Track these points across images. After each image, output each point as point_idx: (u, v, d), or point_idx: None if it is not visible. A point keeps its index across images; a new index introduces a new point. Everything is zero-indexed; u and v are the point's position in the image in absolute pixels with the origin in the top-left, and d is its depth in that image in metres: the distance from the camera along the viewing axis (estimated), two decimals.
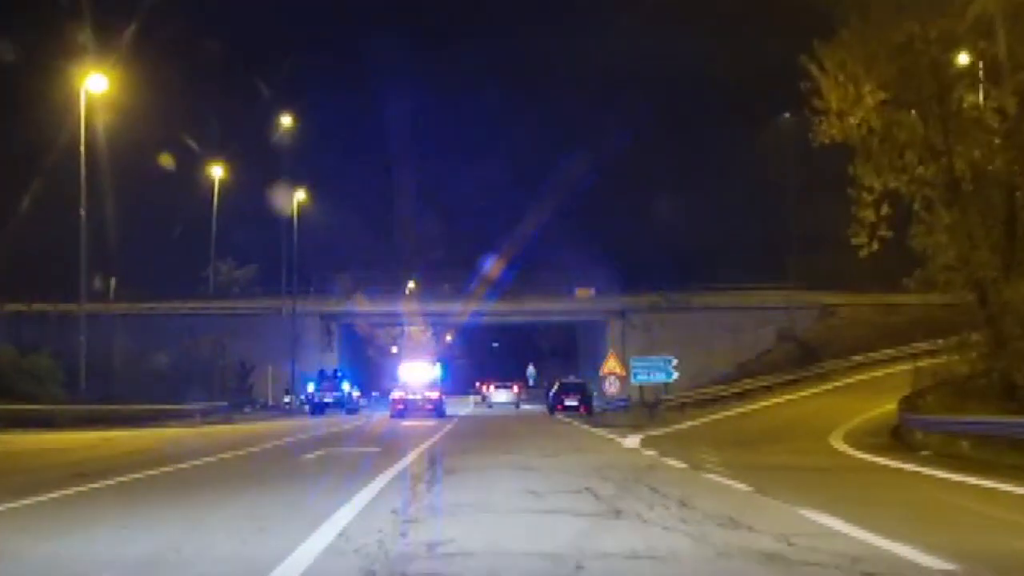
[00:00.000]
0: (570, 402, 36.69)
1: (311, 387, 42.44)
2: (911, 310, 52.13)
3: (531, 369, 70.84)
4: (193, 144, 54.67)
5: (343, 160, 65.42)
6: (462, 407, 54.83)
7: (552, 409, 37.15)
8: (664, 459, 14.07)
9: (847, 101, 22.15)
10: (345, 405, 41.20)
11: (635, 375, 29.38)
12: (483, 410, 49.12)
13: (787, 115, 53.07)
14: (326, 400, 40.91)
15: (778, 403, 30.81)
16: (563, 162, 59.59)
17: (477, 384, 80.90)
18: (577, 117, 69.07)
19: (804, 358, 48.04)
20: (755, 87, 59.60)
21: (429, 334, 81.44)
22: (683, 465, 12.99)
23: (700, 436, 22.06)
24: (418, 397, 33.97)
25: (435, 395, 34.21)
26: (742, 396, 31.82)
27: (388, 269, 56.44)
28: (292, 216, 48.23)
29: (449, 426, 27.49)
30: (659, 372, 29.30)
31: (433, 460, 14.60)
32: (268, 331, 51.38)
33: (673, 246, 55.62)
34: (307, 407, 41.78)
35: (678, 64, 53.61)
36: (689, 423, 25.73)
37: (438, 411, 34.08)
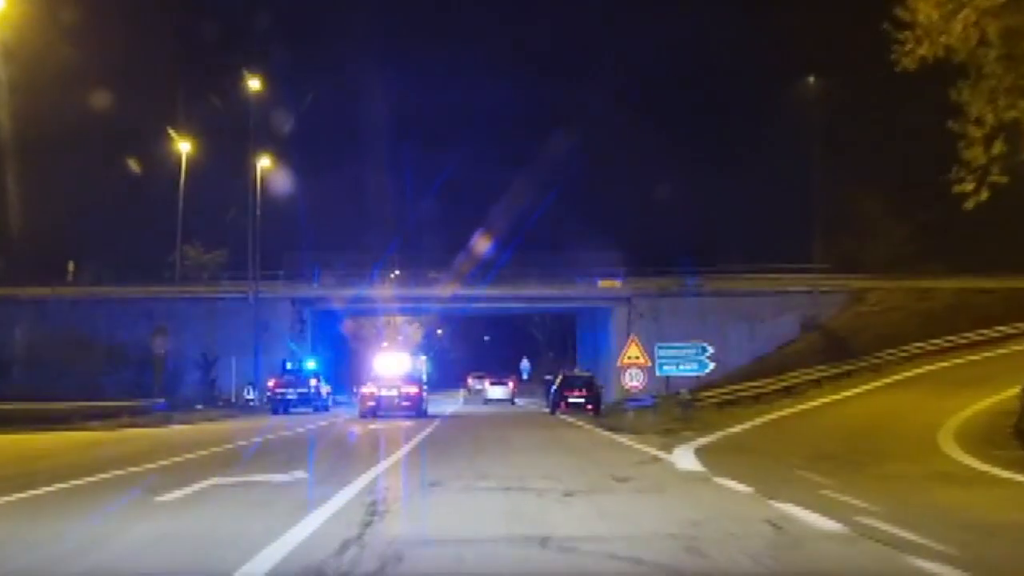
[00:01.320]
0: (575, 399, 30.36)
1: (271, 382, 35.89)
2: (946, 295, 46.19)
3: (525, 362, 64.40)
4: (165, 124, 49.01)
5: (323, 138, 58.78)
6: (449, 404, 48.34)
7: (554, 407, 30.80)
8: (782, 506, 7.71)
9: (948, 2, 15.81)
10: (312, 402, 34.70)
11: (661, 366, 22.97)
12: (473, 408, 42.72)
13: (811, 79, 46.93)
14: (289, 396, 34.39)
15: (835, 400, 24.51)
16: (558, 136, 53.25)
17: (468, 379, 74.92)
18: (576, 89, 62.54)
19: (831, 349, 41.78)
20: (775, 49, 53.30)
21: (416, 325, 74.95)
22: (836, 527, 6.63)
23: (770, 447, 15.75)
24: (393, 393, 27.54)
25: (414, 390, 27.77)
26: (789, 392, 25.41)
27: (370, 252, 49.84)
28: (255, 184, 41.65)
29: (428, 429, 21.17)
30: (691, 363, 22.94)
31: (379, 507, 8.16)
32: (234, 319, 44.86)
33: (683, 226, 49.25)
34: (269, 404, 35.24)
35: (689, 28, 47.39)
36: (739, 426, 19.37)
37: (417, 410, 27.68)
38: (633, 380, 22.65)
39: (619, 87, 55.26)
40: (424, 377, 50.70)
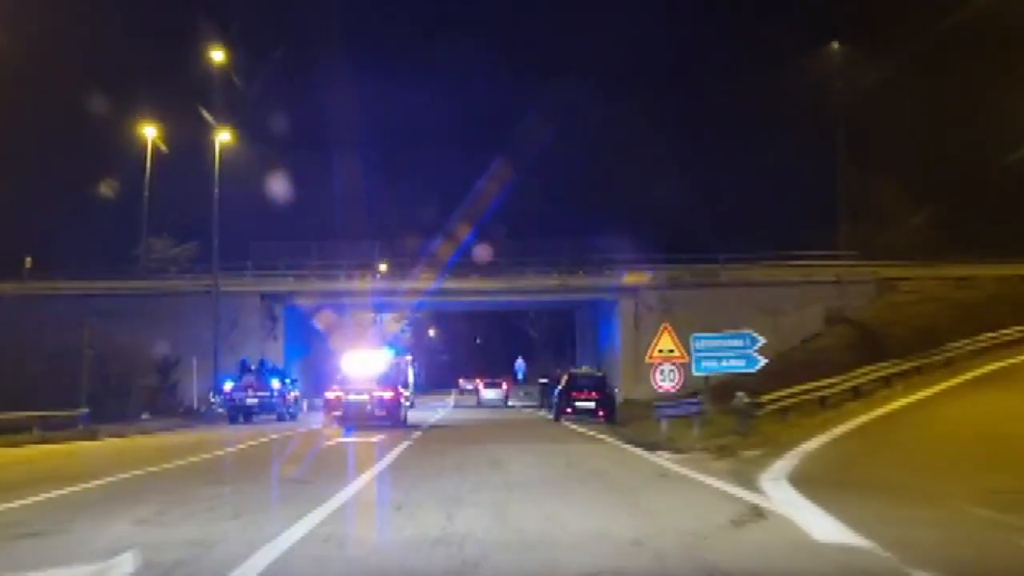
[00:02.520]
0: (584, 403, 24.95)
1: (228, 385, 30.29)
2: (986, 284, 40.97)
3: (520, 362, 58.88)
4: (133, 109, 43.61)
5: (299, 123, 53.08)
6: (438, 408, 42.86)
7: (559, 412, 25.37)
8: None
9: None
10: (276, 409, 29.16)
11: (698, 362, 17.51)
12: (462, 414, 37.26)
13: (835, 44, 41.59)
14: (248, 402, 28.85)
15: (915, 402, 19.19)
16: (553, 123, 47.94)
17: (459, 381, 69.84)
18: (577, 70, 57.09)
19: (862, 343, 36.55)
20: (794, 17, 48.08)
21: (401, 321, 69.24)
22: None
23: (895, 476, 10.43)
24: (363, 399, 22.05)
25: (389, 395, 22.26)
26: (856, 393, 19.98)
27: (350, 242, 44.28)
28: (215, 161, 36.07)
29: (401, 448, 15.90)
30: (736, 357, 17.47)
31: None
32: (200, 317, 39.19)
33: (695, 211, 43.79)
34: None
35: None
36: (814, 440, 14.05)
37: (393, 418, 22.23)
38: (666, 380, 17.18)
39: (623, 65, 50.17)
40: (410, 379, 45.43)
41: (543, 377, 45.07)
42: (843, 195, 40.34)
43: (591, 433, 20.11)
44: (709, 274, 40.93)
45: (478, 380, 51.57)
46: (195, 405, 36.59)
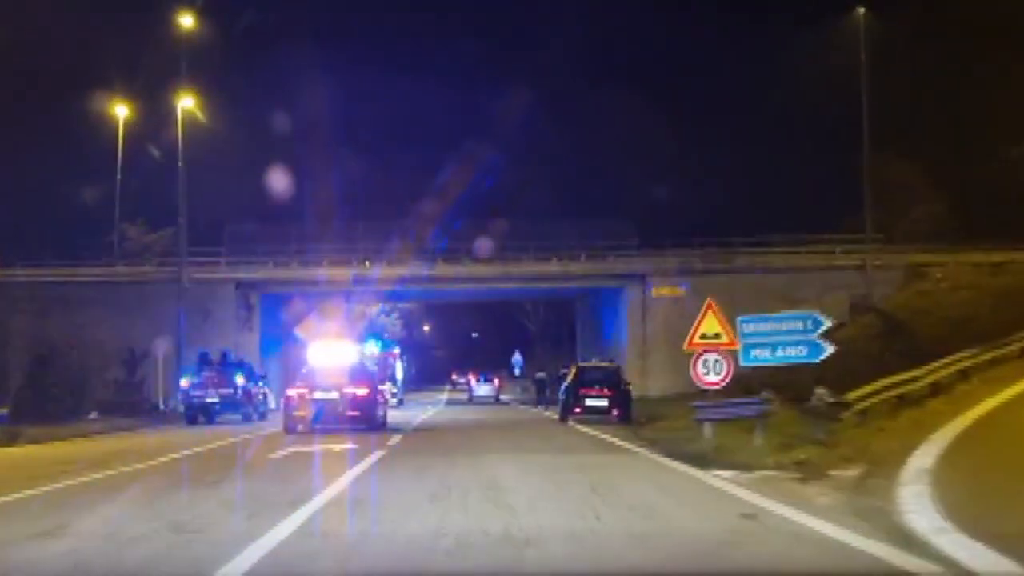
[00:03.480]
0: (596, 401, 20.96)
1: (185, 381, 26.21)
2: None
3: (517, 356, 54.82)
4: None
5: (279, 98, 48.94)
6: (428, 405, 38.87)
7: (566, 411, 21.34)
8: None
9: None
10: (241, 408, 25.10)
11: (747, 351, 13.52)
12: (453, 412, 33.36)
13: (861, 9, 37.54)
14: (210, 401, 24.80)
15: (1010, 400, 15.16)
16: (553, 97, 43.99)
17: (453, 375, 66.04)
18: (585, 45, 53.01)
19: (891, 334, 32.65)
20: None
21: (393, 315, 65.17)
22: None
23: None
24: (332, 397, 18.01)
25: (363, 392, 18.20)
26: (935, 389, 16.03)
27: (334, 227, 40.19)
28: (177, 131, 31.96)
29: (371, 460, 12.25)
30: (794, 344, 13.51)
31: None
32: (170, 306, 35.10)
33: (709, 190, 39.84)
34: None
35: None
36: (925, 449, 10.07)
37: (369, 420, 18.19)
38: (711, 373, 13.16)
39: (634, 40, 46.26)
40: (399, 374, 41.54)
41: (540, 371, 41.16)
42: (868, 175, 36.33)
43: (608, 438, 16.16)
44: (723, 259, 37.02)
45: (471, 375, 49.50)
46: (160, 403, 32.63)
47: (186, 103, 31.69)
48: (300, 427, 18.14)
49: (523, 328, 64.47)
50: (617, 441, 15.29)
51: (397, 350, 40.74)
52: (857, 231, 36.83)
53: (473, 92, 50.62)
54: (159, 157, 36.74)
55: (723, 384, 13.23)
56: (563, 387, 22.17)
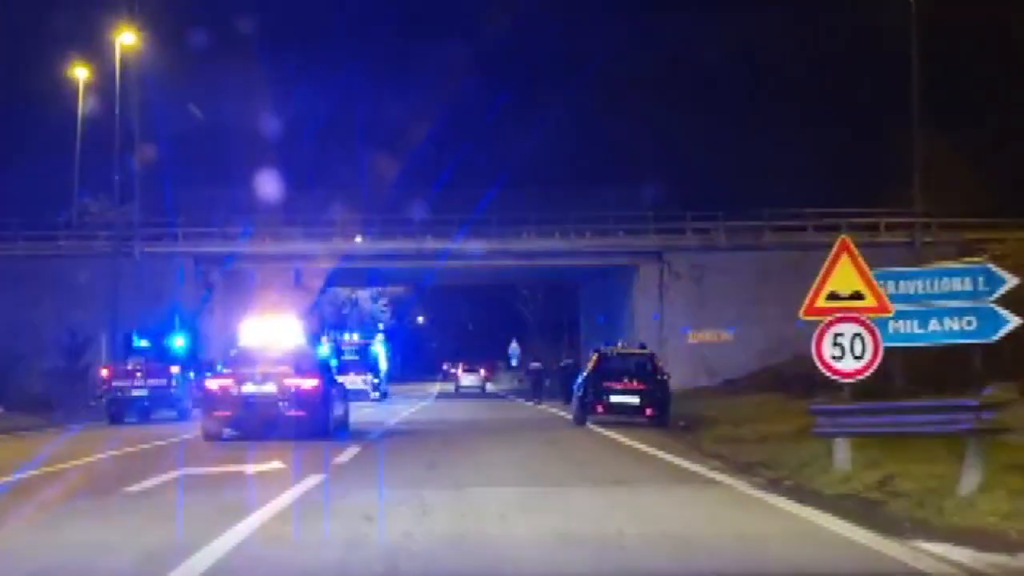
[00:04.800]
0: (624, 397, 15.66)
1: (107, 370, 20.74)
2: None
3: (514, 346, 49.51)
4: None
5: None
6: (415, 401, 33.50)
7: (585, 411, 15.87)
8: None
9: None
10: (175, 404, 19.68)
11: (882, 325, 8.19)
12: (443, 407, 28.20)
13: None
14: (137, 394, 19.41)
15: None
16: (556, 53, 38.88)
17: (444, 366, 61.17)
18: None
19: None
20: None
21: (381, 301, 59.73)
22: None
23: None
24: (268, 390, 12.66)
25: (311, 384, 12.82)
26: None
27: (309, 195, 34.89)
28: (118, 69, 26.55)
29: (287, 497, 7.25)
30: (958, 313, 8.36)
31: None
32: (122, 286, 29.66)
33: (734, 156, 34.57)
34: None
35: None
36: None
37: (318, 423, 12.79)
38: (847, 355, 7.78)
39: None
40: (383, 364, 36.22)
41: (534, 361, 35.79)
42: (918, 141, 31.02)
43: (660, 453, 10.90)
44: (751, 234, 31.76)
45: (458, 366, 50.05)
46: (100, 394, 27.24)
47: (125, 39, 26.27)
48: (225, 431, 12.85)
49: (520, 318, 59.15)
50: (677, 460, 10.04)
51: (380, 337, 35.41)
52: (908, 203, 31.50)
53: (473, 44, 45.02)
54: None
55: (868, 373, 7.93)
56: (581, 380, 16.78)
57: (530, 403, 28.95)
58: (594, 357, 16.98)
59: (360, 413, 19.25)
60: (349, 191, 32.75)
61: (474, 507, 6.92)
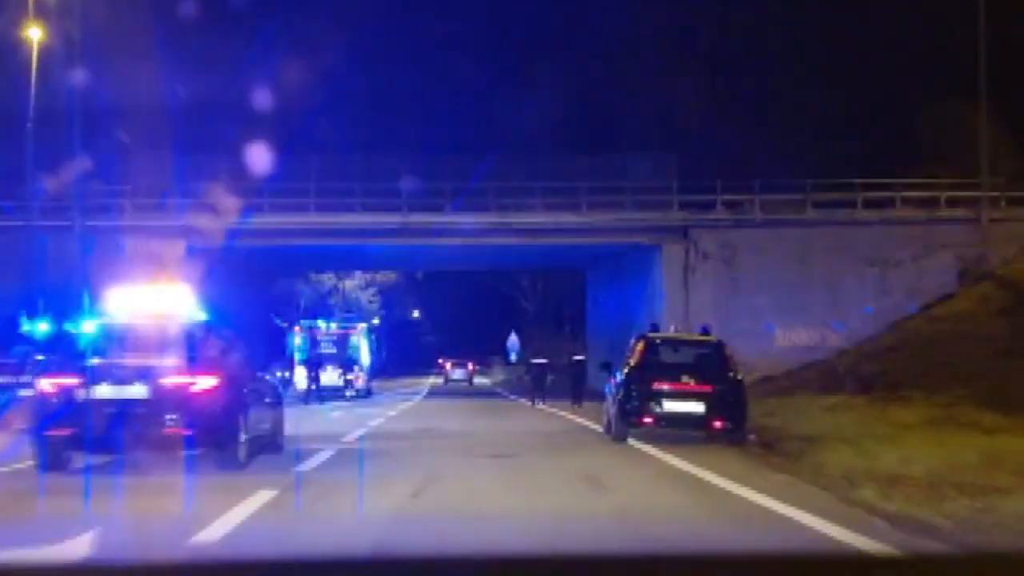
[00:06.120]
0: (682, 403, 10.72)
1: None
2: None
3: (513, 339, 44.32)
4: None
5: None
6: (403, 397, 28.51)
7: (627, 420, 10.76)
8: None
9: None
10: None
11: None
12: (433, 408, 23.31)
13: None
14: (22, 394, 14.41)
15: None
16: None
17: (439, 361, 56.65)
18: None
19: (1019, 311, 22.86)
20: None
21: (371, 291, 54.57)
22: None
23: None
24: (134, 394, 7.74)
25: (206, 384, 7.92)
26: None
27: (281, 163, 29.64)
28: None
29: None
30: None
31: None
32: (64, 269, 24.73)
33: (768, 119, 29.65)
34: None
35: None
36: None
37: (218, 441, 7.88)
38: None
39: None
40: (365, 357, 31.25)
41: (535, 357, 30.51)
42: (985, 103, 26.14)
43: (790, 511, 5.91)
44: (791, 208, 26.79)
45: (450, 361, 51.54)
46: None
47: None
48: (72, 458, 7.87)
49: (518, 309, 54.23)
50: (840, 532, 5.03)
51: (362, 325, 30.40)
52: (973, 173, 26.62)
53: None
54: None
55: None
56: (618, 380, 11.48)
57: (531, 404, 23.80)
58: (638, 347, 11.68)
59: (315, 420, 14.34)
60: (325, 156, 27.55)
61: None
